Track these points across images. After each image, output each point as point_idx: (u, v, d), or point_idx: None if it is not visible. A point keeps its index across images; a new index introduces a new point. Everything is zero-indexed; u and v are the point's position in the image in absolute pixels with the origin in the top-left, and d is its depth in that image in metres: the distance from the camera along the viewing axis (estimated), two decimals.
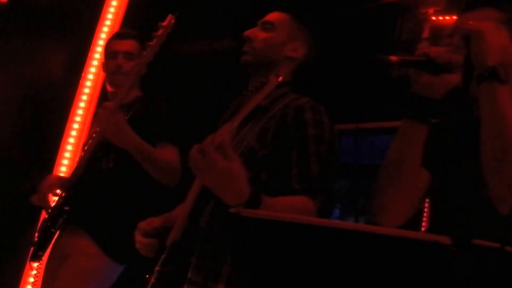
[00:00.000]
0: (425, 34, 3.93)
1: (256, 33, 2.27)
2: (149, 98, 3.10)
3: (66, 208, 2.85)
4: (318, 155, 1.99)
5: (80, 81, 3.67)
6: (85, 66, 3.70)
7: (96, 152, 2.88)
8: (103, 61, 3.21)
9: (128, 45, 3.08)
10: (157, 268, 1.92)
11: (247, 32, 2.27)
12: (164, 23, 2.70)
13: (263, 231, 1.25)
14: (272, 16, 2.30)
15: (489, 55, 1.52)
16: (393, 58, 1.59)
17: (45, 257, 2.96)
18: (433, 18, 3.92)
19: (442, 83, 1.62)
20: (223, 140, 1.70)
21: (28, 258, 2.95)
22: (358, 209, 5.59)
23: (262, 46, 2.23)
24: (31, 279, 3.22)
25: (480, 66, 1.52)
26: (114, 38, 3.17)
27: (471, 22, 1.58)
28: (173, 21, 2.69)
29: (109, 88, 3.16)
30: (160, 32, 2.70)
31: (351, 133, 4.21)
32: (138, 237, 2.17)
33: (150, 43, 2.71)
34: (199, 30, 4.03)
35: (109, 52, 3.12)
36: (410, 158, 1.67)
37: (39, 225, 3.01)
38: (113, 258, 2.84)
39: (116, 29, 3.75)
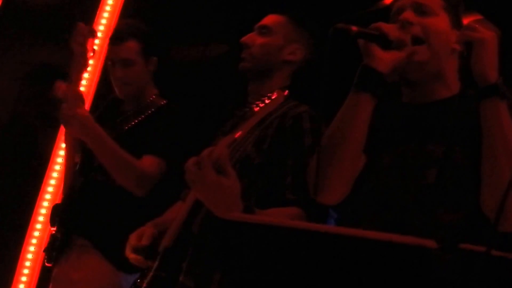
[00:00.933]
0: None
1: (253, 39, 2.24)
2: (167, 107, 2.95)
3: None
4: None
5: None
6: None
7: (87, 162, 2.84)
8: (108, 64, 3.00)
9: (126, 50, 2.83)
10: (149, 273, 1.91)
11: (244, 39, 2.24)
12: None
13: (252, 237, 1.24)
14: (268, 20, 2.27)
15: (490, 69, 1.55)
16: (353, 28, 1.61)
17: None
18: None
19: (390, 59, 1.62)
20: (221, 154, 1.69)
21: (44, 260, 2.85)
22: None
23: (259, 51, 2.21)
24: (24, 278, 3.21)
25: (482, 80, 1.55)
26: (110, 42, 2.91)
27: (476, 27, 1.58)
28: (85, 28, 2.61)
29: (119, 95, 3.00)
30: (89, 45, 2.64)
31: None
32: (128, 253, 2.14)
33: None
34: (192, 35, 4.03)
35: (109, 59, 2.93)
36: (355, 133, 1.66)
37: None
38: (125, 271, 2.75)
39: (111, 32, 3.73)
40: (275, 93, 1.93)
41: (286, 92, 2.01)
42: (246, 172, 2.01)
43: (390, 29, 1.64)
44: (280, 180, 1.97)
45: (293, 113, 2.07)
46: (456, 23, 1.77)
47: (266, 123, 2.08)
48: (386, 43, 1.62)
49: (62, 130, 3.54)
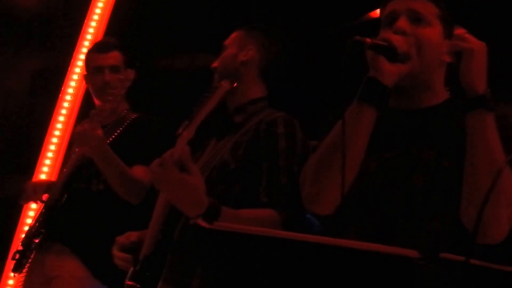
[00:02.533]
0: None
1: (216, 61, 2.31)
2: (142, 119, 3.06)
3: (42, 230, 2.82)
4: (288, 170, 1.98)
5: (60, 95, 3.67)
6: (65, 79, 3.70)
7: (81, 171, 2.86)
8: (86, 74, 3.12)
9: (113, 58, 3.00)
10: (128, 282, 1.91)
11: (213, 64, 2.31)
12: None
13: (226, 242, 1.25)
14: (227, 39, 2.35)
15: (478, 79, 1.55)
16: (368, 40, 1.59)
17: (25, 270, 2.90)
18: None
19: (395, 72, 1.62)
20: (182, 152, 1.72)
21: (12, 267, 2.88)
22: None
23: (220, 64, 2.27)
24: (11, 281, 3.21)
25: (469, 90, 1.55)
26: (96, 51, 3.05)
27: (467, 37, 1.58)
28: None
29: (97, 103, 3.07)
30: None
31: None
32: (116, 252, 2.15)
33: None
34: (180, 46, 4.04)
35: (93, 67, 3.02)
36: (355, 143, 1.63)
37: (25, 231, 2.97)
38: (101, 280, 2.80)
39: (99, 39, 3.74)
40: (222, 83, 1.96)
41: (235, 84, 2.03)
42: (223, 177, 2.03)
43: (399, 42, 1.62)
44: (255, 184, 1.98)
45: (268, 119, 2.09)
46: (448, 33, 1.74)
47: (243, 130, 2.10)
48: (394, 56, 1.61)
49: (47, 140, 3.55)
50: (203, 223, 1.67)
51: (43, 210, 2.87)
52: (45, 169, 3.54)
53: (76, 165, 2.85)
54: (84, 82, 3.44)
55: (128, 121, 3.03)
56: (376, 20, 4.47)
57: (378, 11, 4.38)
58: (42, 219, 2.85)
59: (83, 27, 3.78)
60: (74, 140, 2.87)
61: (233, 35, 2.34)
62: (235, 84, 2.10)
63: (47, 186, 2.94)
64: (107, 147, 2.71)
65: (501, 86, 1.74)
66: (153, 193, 2.63)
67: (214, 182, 1.96)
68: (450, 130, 1.66)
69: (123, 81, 2.80)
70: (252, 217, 1.88)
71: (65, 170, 2.91)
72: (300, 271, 1.15)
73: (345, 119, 1.56)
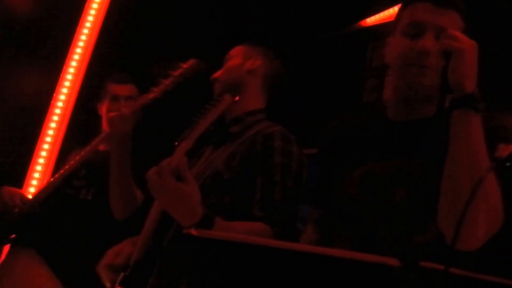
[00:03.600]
0: None
1: (218, 72, 2.33)
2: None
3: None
4: (283, 185, 1.99)
5: (52, 102, 3.67)
6: (57, 86, 3.70)
7: (72, 179, 2.87)
8: (103, 102, 3.14)
9: (129, 90, 3.09)
10: (118, 287, 1.92)
11: (213, 76, 2.33)
12: (185, 65, 2.60)
13: (215, 252, 1.26)
14: (230, 52, 2.37)
15: (467, 78, 1.51)
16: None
17: None
18: None
19: None
20: (179, 162, 1.73)
21: None
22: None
23: (224, 74, 2.29)
24: None
25: (457, 89, 1.52)
26: (115, 82, 3.14)
27: (457, 36, 1.55)
28: (195, 66, 2.58)
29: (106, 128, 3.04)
30: (177, 72, 2.62)
31: None
32: (101, 269, 2.09)
33: (164, 80, 2.65)
34: (171, 54, 4.06)
35: (111, 95, 3.09)
36: None
37: None
38: None
39: (90, 49, 3.77)
40: (224, 97, 1.97)
41: (237, 98, 2.05)
42: (216, 187, 2.04)
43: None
44: (248, 196, 1.98)
45: (265, 132, 2.10)
46: None
47: (239, 141, 2.11)
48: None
49: (39, 147, 3.55)
50: (192, 230, 1.67)
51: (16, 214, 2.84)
52: (34, 182, 3.54)
53: (74, 169, 2.85)
54: (75, 90, 3.46)
55: None
56: (365, 30, 4.51)
57: (368, 20, 4.41)
58: (13, 222, 2.83)
59: (75, 36, 3.79)
60: (108, 121, 2.77)
61: (236, 49, 2.35)
62: (237, 98, 2.10)
63: (20, 196, 2.91)
64: (128, 143, 2.65)
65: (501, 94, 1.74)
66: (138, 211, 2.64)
67: (207, 191, 1.96)
68: (441, 141, 1.59)
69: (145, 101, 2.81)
70: (245, 230, 1.88)
71: (61, 172, 2.89)
72: (283, 279, 1.16)
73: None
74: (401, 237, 1.57)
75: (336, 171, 1.80)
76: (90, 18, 3.83)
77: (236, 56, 2.32)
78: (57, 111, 3.66)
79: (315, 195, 1.94)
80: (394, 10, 4.13)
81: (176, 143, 2.23)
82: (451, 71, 1.51)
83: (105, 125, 3.06)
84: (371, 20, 4.24)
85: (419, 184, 1.57)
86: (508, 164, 1.48)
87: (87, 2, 3.85)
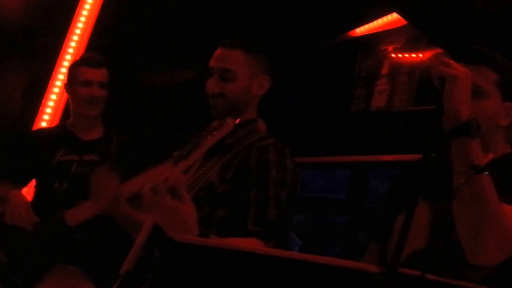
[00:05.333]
0: (384, 70, 4.01)
1: (220, 87, 2.17)
2: (115, 139, 3.10)
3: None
4: (277, 199, 1.98)
5: (41, 107, 3.66)
6: (46, 92, 3.69)
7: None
8: (70, 85, 3.11)
9: (102, 74, 3.07)
10: None
11: (212, 89, 2.18)
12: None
13: (204, 259, 1.26)
14: (228, 61, 2.18)
15: (462, 105, 1.55)
16: None
17: None
18: (392, 55, 4.01)
19: None
20: (177, 180, 1.73)
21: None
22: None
23: (230, 99, 2.16)
24: None
25: (453, 117, 1.56)
26: (86, 65, 3.07)
27: (451, 63, 1.60)
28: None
29: (75, 111, 3.11)
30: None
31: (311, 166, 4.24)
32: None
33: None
34: (161, 60, 4.07)
35: (82, 80, 3.04)
36: None
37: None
38: None
39: (81, 53, 3.75)
40: (227, 121, 1.96)
41: (238, 120, 2.03)
42: (208, 199, 2.02)
43: None
44: (242, 210, 1.97)
45: (259, 145, 2.08)
46: (507, 96, 1.77)
47: (233, 153, 2.09)
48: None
49: None
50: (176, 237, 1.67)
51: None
52: None
53: None
54: (65, 94, 3.44)
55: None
56: (354, 40, 4.53)
57: (358, 30, 4.44)
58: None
59: (65, 40, 3.79)
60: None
61: (237, 58, 2.18)
62: (238, 120, 2.08)
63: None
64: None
65: None
66: None
67: (199, 203, 1.93)
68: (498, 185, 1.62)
69: (105, 98, 2.94)
70: (241, 245, 1.87)
71: None
72: (264, 285, 1.17)
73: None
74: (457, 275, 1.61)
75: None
76: (80, 25, 3.84)
77: (241, 74, 2.16)
78: (46, 117, 3.65)
79: (379, 231, 1.97)
80: (383, 20, 4.16)
81: (173, 160, 2.22)
82: (445, 99, 1.55)
83: (74, 107, 3.09)
84: (361, 30, 4.28)
85: None
86: (486, 173, 1.50)
87: (78, 8, 3.85)
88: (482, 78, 1.74)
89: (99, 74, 3.06)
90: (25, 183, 3.10)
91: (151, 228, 1.97)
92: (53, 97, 3.68)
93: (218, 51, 2.21)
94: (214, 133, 1.94)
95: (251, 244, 1.89)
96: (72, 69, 3.15)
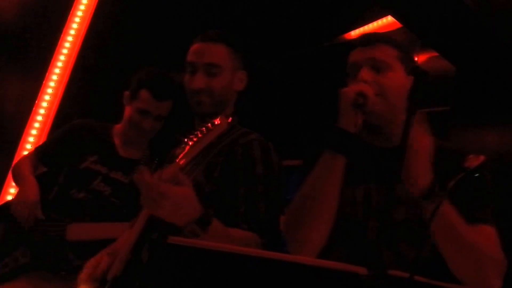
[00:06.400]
0: None
1: (207, 82, 2.15)
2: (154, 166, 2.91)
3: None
4: (266, 195, 1.98)
5: (34, 108, 3.65)
6: (40, 93, 3.68)
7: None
8: (129, 99, 2.85)
9: (164, 107, 2.81)
10: None
11: (198, 85, 2.15)
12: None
13: (195, 261, 1.26)
14: (214, 56, 2.17)
15: (422, 175, 1.59)
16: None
17: None
18: None
19: (359, 122, 1.77)
20: (175, 170, 1.71)
21: None
22: None
23: (218, 93, 2.15)
24: None
25: (413, 188, 1.60)
26: (151, 93, 2.77)
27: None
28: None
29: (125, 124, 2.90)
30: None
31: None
32: (82, 280, 2.05)
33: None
34: (156, 62, 4.06)
35: (140, 108, 2.79)
36: (330, 189, 1.73)
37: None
38: None
39: (74, 56, 3.74)
40: (218, 119, 1.95)
41: (230, 119, 2.02)
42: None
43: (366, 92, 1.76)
44: (232, 209, 1.97)
45: (243, 141, 2.07)
46: (410, 68, 1.88)
47: (216, 151, 2.08)
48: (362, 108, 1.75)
49: (18, 154, 3.53)
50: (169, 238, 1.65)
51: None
52: (12, 190, 3.48)
53: None
54: (56, 101, 3.44)
55: None
56: (348, 43, 4.55)
57: (353, 32, 4.44)
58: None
59: (59, 41, 3.78)
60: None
61: (222, 53, 2.17)
62: (230, 119, 2.08)
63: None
64: None
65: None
66: None
67: None
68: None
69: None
70: (240, 237, 1.87)
71: None
72: (254, 286, 1.17)
73: (319, 172, 1.72)
74: (400, 253, 1.68)
75: None
76: (75, 25, 3.83)
77: (226, 68, 2.17)
78: (39, 118, 3.64)
79: None
80: (378, 23, 4.17)
81: (167, 158, 2.20)
82: (406, 167, 1.58)
83: (127, 118, 2.84)
84: (356, 33, 4.28)
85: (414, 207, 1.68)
86: (477, 174, 1.51)
87: (72, 9, 3.85)
88: (384, 54, 1.85)
89: (160, 108, 2.79)
90: (49, 166, 2.91)
91: (140, 232, 1.96)
92: (47, 97, 3.67)
93: (198, 46, 2.19)
94: (208, 133, 1.93)
95: (249, 237, 1.90)
96: (136, 84, 2.83)
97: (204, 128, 2.06)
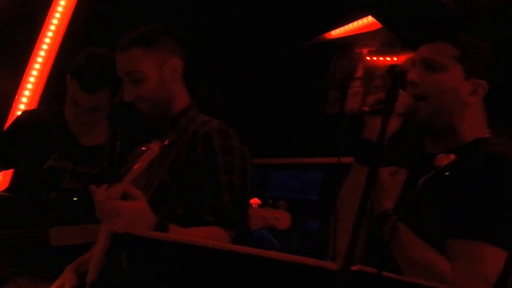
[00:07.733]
0: (359, 73, 4.04)
1: (134, 91, 2.08)
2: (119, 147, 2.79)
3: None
4: (230, 185, 1.96)
5: (14, 104, 3.64)
6: (19, 89, 3.66)
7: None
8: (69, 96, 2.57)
9: (97, 100, 2.51)
10: None
11: (128, 97, 2.08)
12: None
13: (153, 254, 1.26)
14: (130, 63, 2.08)
15: (384, 200, 1.67)
16: (365, 108, 1.68)
17: None
18: (367, 58, 4.04)
19: (390, 130, 1.64)
20: (124, 185, 1.76)
21: None
22: None
23: (150, 97, 2.08)
24: None
25: (379, 209, 1.66)
26: (79, 85, 2.49)
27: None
28: None
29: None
30: None
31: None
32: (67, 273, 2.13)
33: None
34: None
35: (71, 98, 2.55)
36: (354, 198, 1.72)
37: None
38: None
39: (55, 50, 3.72)
40: (151, 145, 1.98)
41: (167, 141, 2.03)
42: (165, 199, 2.00)
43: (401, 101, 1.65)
44: (198, 203, 1.95)
45: (202, 132, 2.03)
46: (471, 72, 1.75)
47: (179, 146, 2.06)
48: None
49: None
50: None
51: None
52: None
53: None
54: (36, 97, 3.40)
55: None
56: (329, 43, 4.56)
57: (333, 32, 4.46)
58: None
59: (40, 35, 3.76)
60: None
61: (135, 54, 2.06)
62: (166, 142, 2.05)
63: None
64: None
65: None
66: None
67: (157, 205, 1.90)
68: (454, 174, 1.64)
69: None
70: (202, 235, 1.83)
71: None
72: (222, 280, 1.17)
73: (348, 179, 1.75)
74: None
75: None
76: (55, 21, 3.80)
77: (148, 69, 2.07)
78: (19, 113, 3.62)
79: None
80: (358, 23, 4.20)
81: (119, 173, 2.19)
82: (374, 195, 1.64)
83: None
84: (336, 32, 4.31)
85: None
86: (447, 173, 1.52)
87: (52, 5, 3.82)
88: (437, 52, 1.74)
89: (91, 101, 2.50)
90: (5, 169, 2.83)
91: (110, 236, 1.95)
92: (27, 93, 3.65)
93: (117, 58, 2.12)
94: (142, 158, 1.94)
95: (213, 232, 1.88)
96: (68, 78, 2.55)
97: (141, 151, 2.08)
